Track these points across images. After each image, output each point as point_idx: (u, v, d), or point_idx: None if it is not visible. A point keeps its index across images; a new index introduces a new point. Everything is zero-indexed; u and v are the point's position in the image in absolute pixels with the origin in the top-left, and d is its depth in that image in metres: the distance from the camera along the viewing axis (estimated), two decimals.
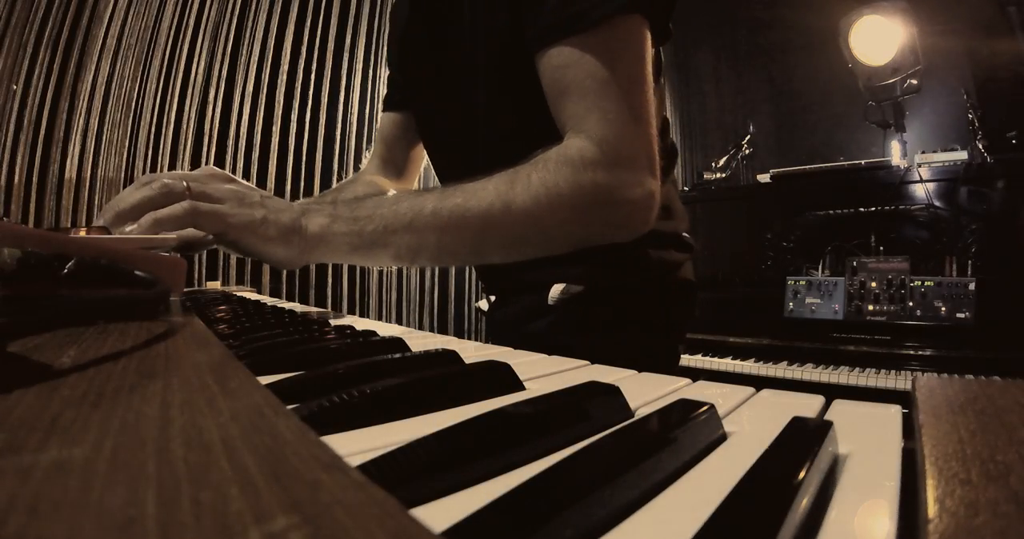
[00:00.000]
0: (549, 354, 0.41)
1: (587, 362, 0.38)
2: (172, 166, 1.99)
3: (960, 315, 1.72)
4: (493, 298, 0.80)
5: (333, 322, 0.55)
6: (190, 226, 0.50)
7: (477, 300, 2.69)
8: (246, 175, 2.17)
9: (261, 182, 2.17)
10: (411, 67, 0.78)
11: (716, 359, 2.03)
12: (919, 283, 1.82)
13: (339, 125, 2.48)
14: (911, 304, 1.81)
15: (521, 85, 0.63)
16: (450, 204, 0.53)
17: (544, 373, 0.33)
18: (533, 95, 0.61)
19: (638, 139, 0.55)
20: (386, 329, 0.50)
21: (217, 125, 2.14)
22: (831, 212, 2.15)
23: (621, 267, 0.65)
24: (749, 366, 1.93)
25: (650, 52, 0.58)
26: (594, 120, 0.55)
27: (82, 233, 0.44)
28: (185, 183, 0.51)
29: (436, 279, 2.75)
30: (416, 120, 0.82)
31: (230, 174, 0.58)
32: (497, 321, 0.77)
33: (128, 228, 0.49)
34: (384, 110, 0.91)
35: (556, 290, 0.66)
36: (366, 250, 0.54)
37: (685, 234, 0.73)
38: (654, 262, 0.66)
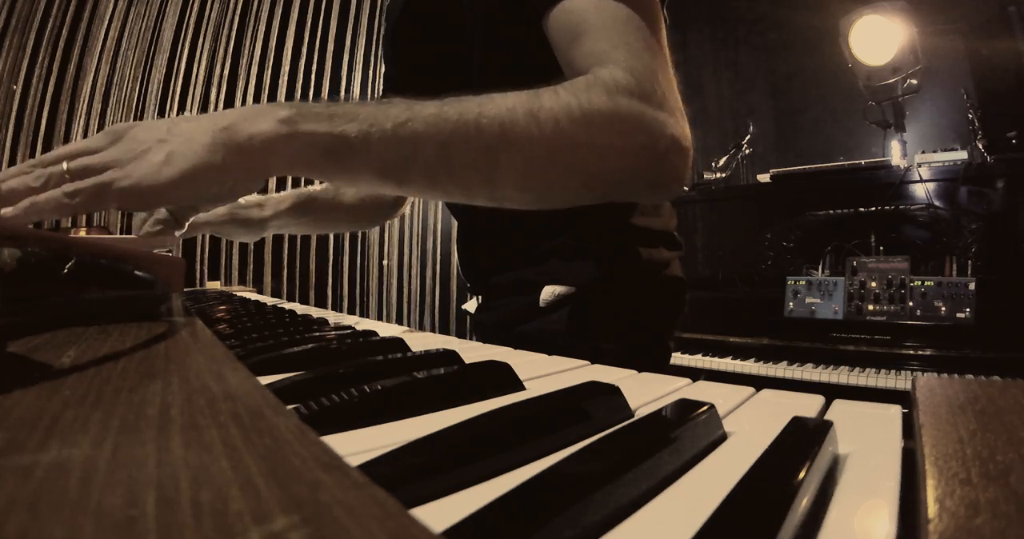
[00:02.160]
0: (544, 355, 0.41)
1: (587, 362, 0.38)
2: None
3: (960, 315, 1.72)
4: (479, 299, 0.79)
5: (333, 322, 0.55)
6: (77, 212, 0.40)
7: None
8: None
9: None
10: (405, 59, 0.78)
11: (716, 359, 2.03)
12: (919, 283, 1.82)
13: None
14: (911, 304, 1.81)
15: (518, 77, 0.63)
16: (459, 107, 0.42)
17: (544, 373, 0.33)
18: (532, 84, 0.61)
19: (667, 81, 0.50)
20: (386, 329, 0.50)
21: None
22: (831, 212, 2.15)
23: (612, 267, 0.65)
24: (749, 366, 1.92)
25: (662, 15, 0.54)
26: (622, 53, 0.48)
27: (82, 233, 0.44)
28: (64, 167, 0.41)
29: (438, 279, 2.75)
30: None
31: (131, 124, 0.44)
32: (485, 323, 0.76)
33: (4, 211, 0.40)
34: None
35: (548, 292, 0.65)
36: (341, 157, 0.41)
37: (674, 232, 0.73)
38: (645, 261, 0.66)
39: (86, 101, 1.88)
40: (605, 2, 0.50)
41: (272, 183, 2.19)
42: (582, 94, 0.44)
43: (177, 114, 2.06)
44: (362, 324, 0.57)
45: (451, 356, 0.33)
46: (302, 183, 2.18)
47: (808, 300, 1.99)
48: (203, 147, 0.39)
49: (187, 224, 0.55)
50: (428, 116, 0.42)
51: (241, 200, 0.77)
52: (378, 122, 0.41)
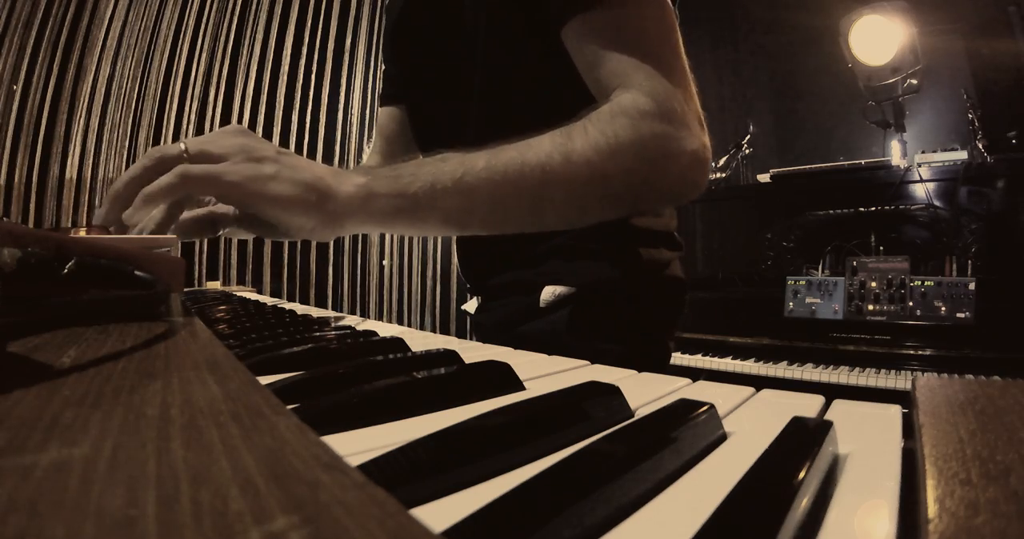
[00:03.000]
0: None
1: (587, 362, 0.38)
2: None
3: (960, 315, 1.72)
4: (479, 300, 0.79)
5: (333, 322, 0.55)
6: (184, 194, 0.45)
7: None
8: None
9: None
10: (405, 58, 0.77)
11: (716, 359, 2.03)
12: (919, 283, 1.82)
13: (339, 126, 2.48)
14: (911, 304, 1.81)
15: (520, 72, 0.63)
16: (504, 158, 0.48)
17: (544, 373, 0.33)
18: (532, 83, 0.61)
19: (687, 94, 0.54)
20: (386, 329, 0.50)
21: (217, 126, 2.14)
22: (831, 212, 2.15)
23: (613, 267, 0.65)
24: (749, 366, 1.92)
25: (675, 18, 0.58)
26: (642, 75, 0.53)
27: (82, 233, 0.44)
28: (183, 145, 0.45)
29: (438, 279, 2.75)
30: (408, 113, 0.81)
31: (248, 130, 0.49)
32: (485, 324, 0.75)
33: (125, 214, 0.45)
34: (381, 105, 0.91)
35: (548, 292, 0.65)
36: (410, 214, 0.47)
37: (675, 232, 0.73)
38: (645, 261, 0.66)
39: (86, 101, 1.88)
40: (622, 23, 0.53)
41: None
42: (608, 128, 0.50)
43: (176, 114, 2.06)
44: (362, 324, 0.57)
45: (451, 356, 0.33)
46: None
47: (808, 300, 1.99)
48: (304, 183, 0.45)
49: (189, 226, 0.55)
50: (480, 171, 0.48)
51: None
52: (439, 180, 0.47)
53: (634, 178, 0.51)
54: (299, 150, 2.33)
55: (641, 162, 0.51)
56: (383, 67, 0.95)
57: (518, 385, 0.28)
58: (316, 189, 0.45)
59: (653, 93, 0.52)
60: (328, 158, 2.40)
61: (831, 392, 0.35)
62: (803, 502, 0.14)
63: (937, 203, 1.98)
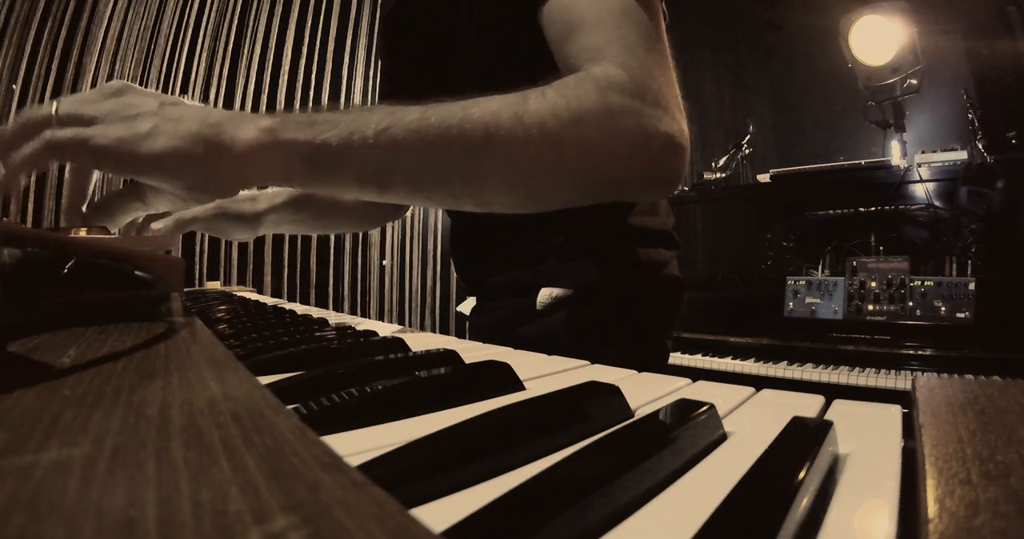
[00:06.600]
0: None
1: (587, 362, 0.38)
2: None
3: (960, 315, 1.72)
4: (475, 301, 0.78)
5: (333, 322, 0.55)
6: (51, 161, 0.40)
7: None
8: None
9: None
10: (399, 51, 0.76)
11: (716, 359, 2.03)
12: (919, 283, 1.82)
13: None
14: (911, 304, 1.81)
15: (514, 68, 0.63)
16: (442, 112, 0.42)
17: (544, 373, 0.33)
18: (525, 74, 0.61)
19: (664, 75, 0.49)
20: (386, 329, 0.50)
21: None
22: (831, 212, 2.15)
23: (611, 268, 0.64)
24: (749, 366, 1.92)
25: (661, 7, 0.54)
26: (617, 49, 0.47)
27: (82, 233, 0.44)
28: (54, 107, 0.40)
29: (438, 279, 2.75)
30: None
31: (132, 85, 0.43)
32: (481, 326, 0.75)
33: None
34: (380, 101, 0.90)
35: (544, 294, 0.64)
36: (321, 166, 0.41)
37: (672, 231, 0.72)
38: (643, 261, 0.65)
39: None
40: None
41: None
42: (571, 93, 0.43)
43: None
44: (362, 324, 0.57)
45: (451, 356, 0.33)
46: None
47: (808, 300, 1.99)
48: (188, 134, 0.39)
49: (176, 222, 0.52)
50: (410, 122, 0.41)
51: None
52: (359, 129, 0.40)
53: (596, 153, 0.44)
54: None
55: (606, 135, 0.44)
56: (382, 63, 0.95)
57: (518, 385, 0.28)
58: (204, 139, 0.39)
59: (627, 67, 0.46)
60: None
61: (831, 392, 0.35)
62: (803, 502, 0.14)
63: (937, 203, 1.98)
